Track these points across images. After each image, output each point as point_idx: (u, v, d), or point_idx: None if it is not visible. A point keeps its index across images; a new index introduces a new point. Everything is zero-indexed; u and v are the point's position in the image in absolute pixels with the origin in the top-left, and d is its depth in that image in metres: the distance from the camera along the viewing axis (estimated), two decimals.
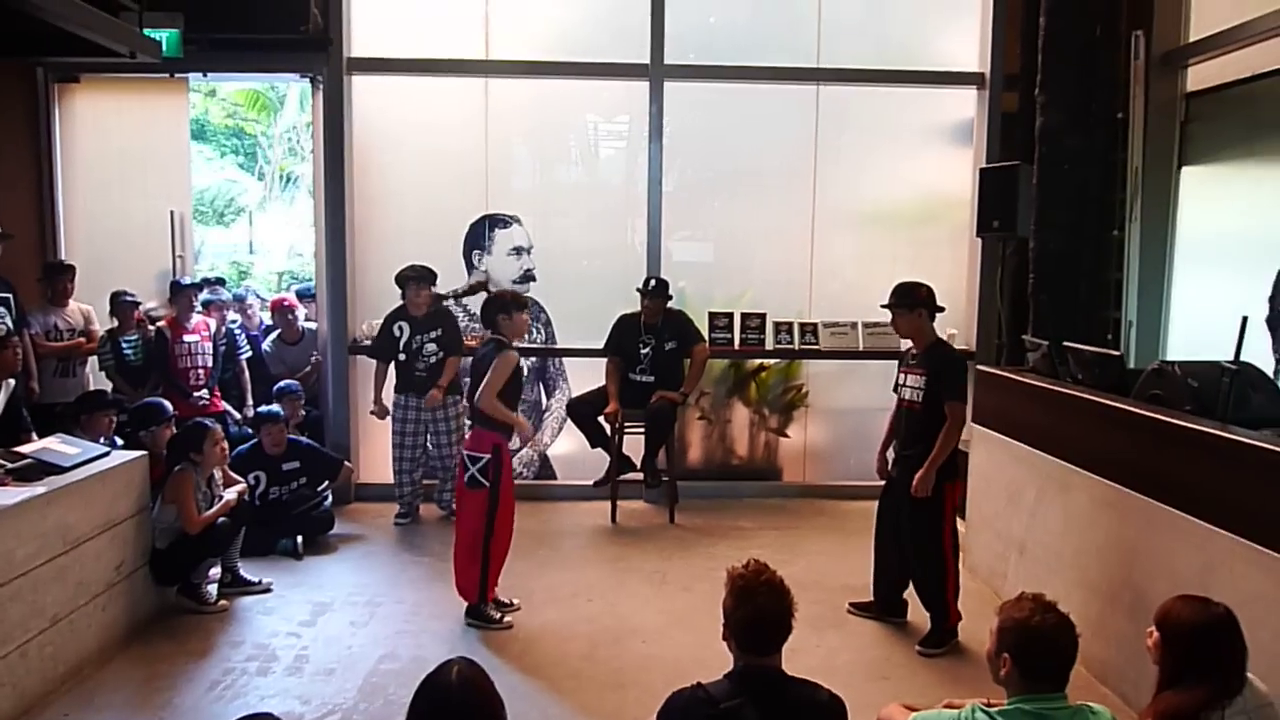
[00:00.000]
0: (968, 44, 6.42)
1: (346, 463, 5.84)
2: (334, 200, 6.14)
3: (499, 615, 4.34)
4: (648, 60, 6.21)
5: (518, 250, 6.46)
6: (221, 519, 4.46)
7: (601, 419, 5.86)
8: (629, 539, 5.63)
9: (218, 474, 4.62)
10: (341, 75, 6.07)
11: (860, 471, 6.26)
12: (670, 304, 5.98)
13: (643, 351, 5.91)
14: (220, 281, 7.49)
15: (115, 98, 6.33)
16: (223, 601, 4.48)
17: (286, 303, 6.74)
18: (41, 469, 3.77)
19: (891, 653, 4.13)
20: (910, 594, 4.34)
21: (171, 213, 6.38)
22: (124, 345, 5.78)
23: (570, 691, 3.71)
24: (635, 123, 6.47)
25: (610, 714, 3.55)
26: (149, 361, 5.83)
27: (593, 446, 5.98)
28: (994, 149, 6.27)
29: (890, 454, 4.42)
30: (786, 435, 6.67)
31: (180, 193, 6.57)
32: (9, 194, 5.97)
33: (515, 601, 4.51)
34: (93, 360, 5.80)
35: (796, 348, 6.37)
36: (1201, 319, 5.18)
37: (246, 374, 6.27)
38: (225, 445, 4.69)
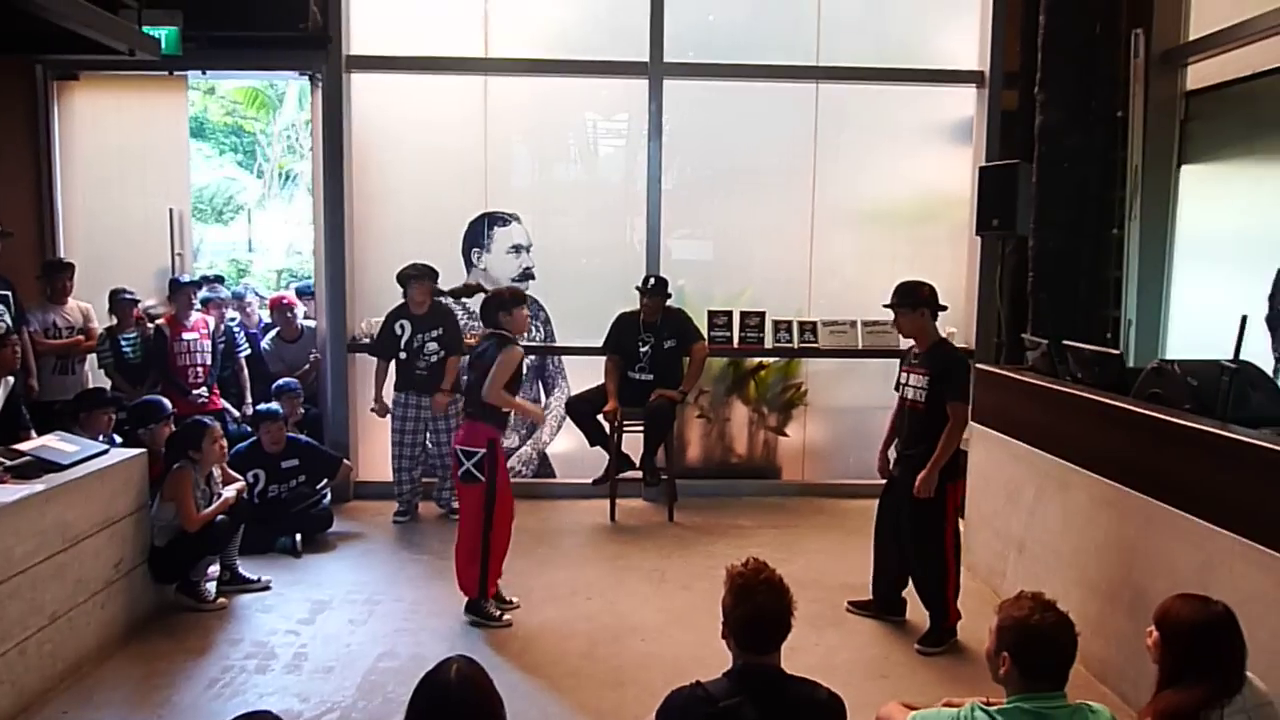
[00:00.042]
0: (967, 42, 6.41)
1: (345, 461, 5.84)
2: (333, 198, 6.14)
3: (499, 613, 4.34)
4: (647, 58, 6.20)
5: (517, 248, 6.46)
6: (220, 517, 4.46)
7: (600, 417, 5.86)
8: (628, 537, 5.63)
9: (216, 472, 4.62)
10: (340, 73, 6.07)
11: (859, 470, 6.27)
12: (669, 302, 5.98)
13: (642, 350, 5.91)
14: (219, 279, 7.47)
15: (114, 95, 6.32)
16: (221, 599, 4.48)
17: (285, 300, 6.73)
18: (40, 466, 3.76)
19: (890, 651, 4.13)
20: (909, 593, 4.34)
21: (170, 210, 6.38)
22: (123, 343, 5.78)
23: (569, 690, 3.71)
24: (634, 121, 6.47)
25: (609, 712, 3.55)
26: (148, 359, 5.83)
27: (592, 445, 5.98)
28: (993, 147, 6.26)
29: (892, 453, 4.41)
30: (785, 434, 6.67)
31: (179, 190, 6.57)
32: (8, 191, 5.97)
33: (514, 600, 4.51)
34: (92, 358, 5.80)
35: (795, 346, 6.37)
36: (1201, 318, 5.18)
37: (245, 372, 6.27)
38: (224, 443, 4.69)
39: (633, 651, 4.06)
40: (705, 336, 6.13)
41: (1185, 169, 5.36)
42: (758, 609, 2.18)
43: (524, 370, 4.61)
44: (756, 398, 6.66)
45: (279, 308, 6.66)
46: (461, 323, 6.08)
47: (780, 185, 6.52)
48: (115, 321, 5.79)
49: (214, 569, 4.56)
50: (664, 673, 3.60)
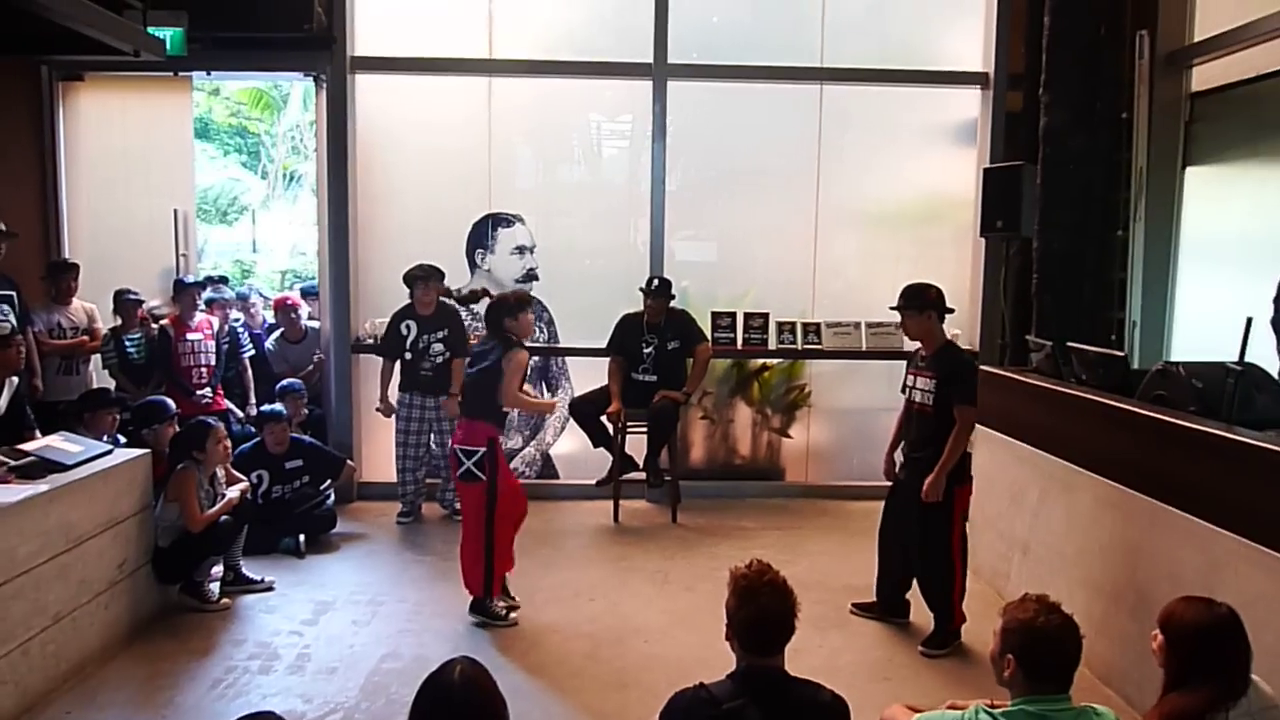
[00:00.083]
0: (972, 43, 6.41)
1: (349, 461, 5.84)
2: (337, 199, 6.15)
3: (504, 612, 4.34)
4: (651, 60, 6.20)
5: (520, 249, 6.46)
6: (224, 517, 4.46)
7: (604, 418, 5.85)
8: (631, 539, 5.63)
9: (220, 472, 4.62)
10: (345, 74, 6.07)
11: (863, 472, 6.27)
12: (673, 303, 5.98)
13: (645, 351, 5.91)
14: (223, 280, 7.49)
15: (119, 96, 6.33)
16: (225, 600, 4.48)
17: (289, 301, 6.74)
18: (44, 467, 3.77)
19: (894, 653, 4.12)
20: (913, 594, 4.33)
21: (175, 211, 6.39)
22: (127, 343, 5.79)
23: (573, 691, 3.71)
24: (638, 122, 6.47)
25: (613, 714, 3.54)
26: (152, 360, 5.83)
27: (595, 446, 5.98)
28: (998, 149, 6.26)
29: (898, 456, 4.40)
30: (789, 435, 6.66)
31: (184, 191, 6.58)
32: (13, 192, 5.98)
33: (515, 598, 4.50)
34: (96, 358, 5.81)
35: (799, 347, 6.36)
36: (1206, 320, 5.17)
37: (249, 372, 6.27)
38: (228, 443, 4.69)
39: (636, 653, 4.05)
40: (709, 338, 6.12)
41: (1190, 171, 5.35)
42: (761, 611, 2.17)
43: (528, 372, 4.61)
44: (760, 399, 6.66)
45: (283, 308, 6.67)
46: (467, 324, 6.08)
47: (784, 186, 6.52)
48: (120, 322, 5.80)
49: (217, 569, 4.57)
50: (667, 674, 3.59)
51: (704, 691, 2.17)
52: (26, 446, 3.92)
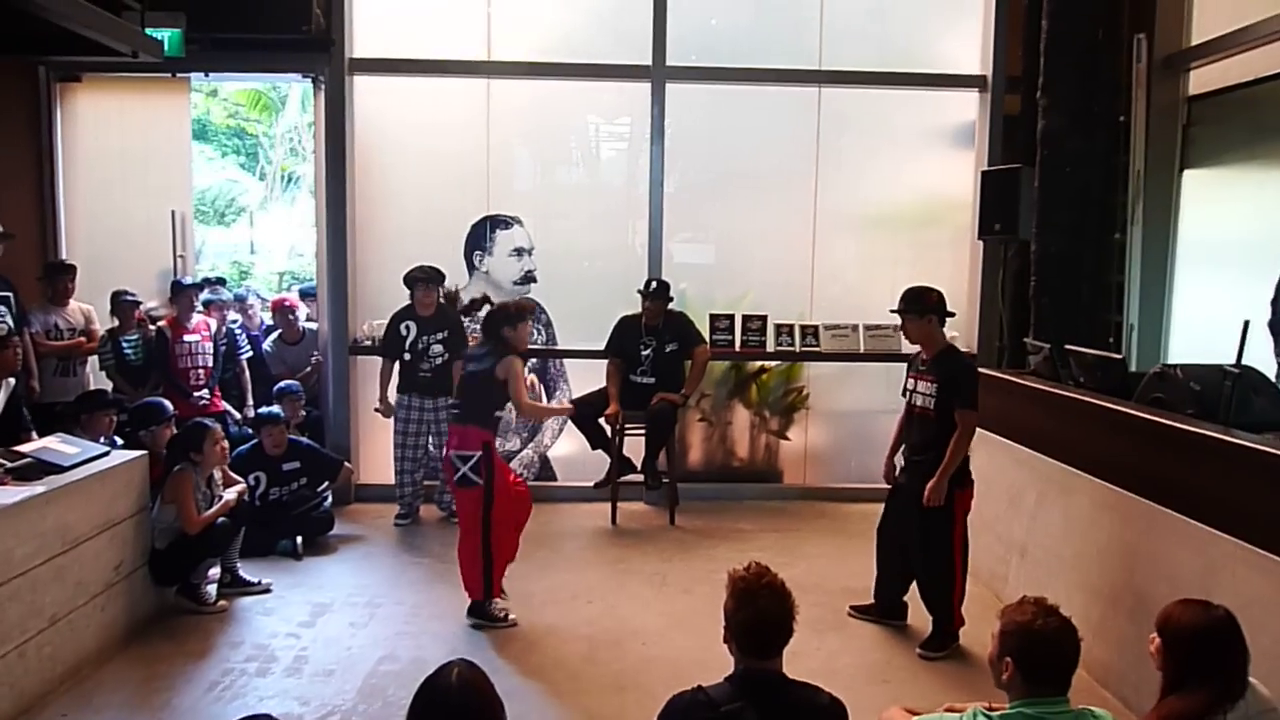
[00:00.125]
0: (969, 47, 6.41)
1: (346, 463, 5.83)
2: (335, 200, 6.14)
3: (503, 613, 4.34)
4: (649, 62, 6.21)
5: (519, 251, 6.46)
6: (221, 519, 4.45)
7: (602, 420, 5.85)
8: (629, 541, 5.63)
9: (217, 474, 4.61)
10: (343, 75, 6.07)
11: (861, 474, 6.26)
12: (671, 305, 5.98)
13: (643, 353, 5.90)
14: (221, 281, 7.49)
15: (117, 97, 6.33)
16: (222, 602, 4.47)
17: (287, 303, 6.74)
18: (41, 468, 3.76)
19: (892, 656, 4.12)
20: (911, 597, 4.33)
21: (173, 212, 6.38)
22: (124, 345, 5.78)
23: (570, 694, 3.70)
24: (637, 124, 6.47)
25: (610, 717, 3.54)
26: (149, 361, 5.83)
27: (593, 448, 5.97)
28: (995, 152, 6.27)
29: (898, 459, 4.39)
30: (787, 437, 6.66)
31: (181, 192, 6.58)
32: (10, 193, 5.97)
33: (507, 596, 4.49)
34: (93, 360, 5.79)
35: (797, 350, 6.36)
36: (1203, 322, 5.18)
37: (247, 374, 6.27)
38: (225, 445, 4.69)
39: (634, 656, 4.05)
40: (707, 340, 6.12)
41: (1187, 174, 5.36)
42: (760, 613, 2.17)
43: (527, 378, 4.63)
44: (758, 401, 6.65)
45: (280, 310, 6.67)
46: (466, 326, 6.08)
47: (782, 189, 6.52)
48: (117, 323, 5.79)
49: (214, 572, 4.56)
50: (665, 677, 3.59)
51: (702, 694, 2.16)
52: (23, 448, 3.92)
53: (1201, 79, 5.25)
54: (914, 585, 4.30)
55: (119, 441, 4.85)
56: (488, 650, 4.04)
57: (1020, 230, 5.61)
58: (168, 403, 5.16)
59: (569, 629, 4.31)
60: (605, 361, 5.97)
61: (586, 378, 6.21)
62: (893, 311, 4.24)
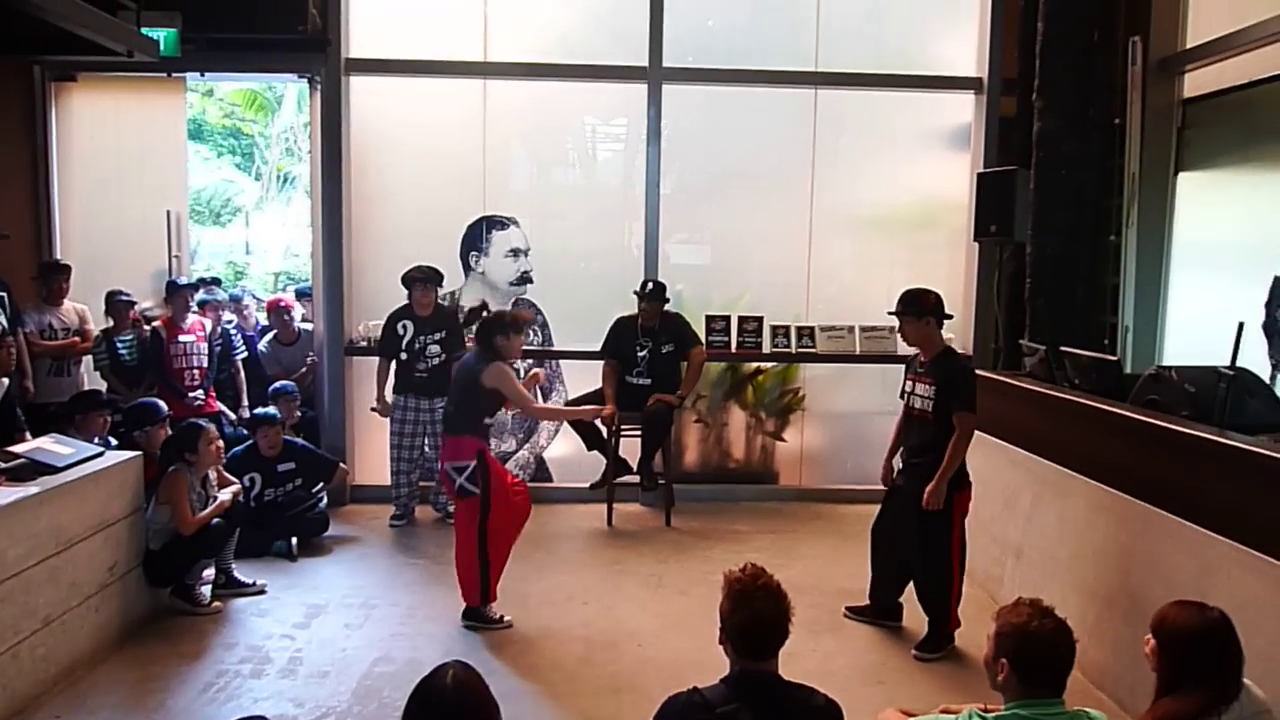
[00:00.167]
0: (966, 49, 6.43)
1: (341, 464, 5.83)
2: (331, 201, 6.14)
3: (499, 615, 4.33)
4: (646, 63, 6.21)
5: (515, 252, 6.46)
6: (216, 520, 4.44)
7: (598, 422, 5.85)
8: (625, 542, 5.62)
9: (212, 475, 4.60)
10: (339, 76, 6.07)
11: (857, 475, 6.27)
12: (667, 307, 5.98)
13: (640, 354, 5.90)
14: (216, 281, 7.47)
15: (112, 97, 6.31)
16: (216, 603, 4.46)
17: (283, 303, 6.73)
18: (35, 469, 3.75)
19: (888, 657, 4.12)
20: (906, 598, 4.33)
21: (168, 212, 6.37)
22: (119, 345, 5.76)
23: (566, 695, 3.70)
24: (633, 125, 6.47)
25: (606, 719, 3.53)
26: (144, 361, 5.81)
27: (589, 449, 5.97)
28: (991, 154, 6.28)
29: (896, 462, 4.39)
30: (783, 439, 6.66)
31: (177, 192, 6.56)
32: (5, 193, 5.96)
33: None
34: (87, 360, 5.77)
35: (793, 351, 6.37)
36: (1198, 324, 5.19)
37: (242, 375, 6.24)
38: (220, 446, 4.67)
39: (630, 657, 4.04)
40: (703, 341, 6.13)
41: (1182, 176, 5.37)
42: (755, 615, 2.17)
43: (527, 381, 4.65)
44: (754, 403, 6.66)
45: (276, 310, 6.66)
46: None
47: (778, 190, 6.52)
48: (111, 323, 5.77)
49: (209, 572, 4.54)
50: (661, 679, 3.59)
51: (697, 696, 2.16)
52: (17, 448, 3.90)
53: (1196, 82, 5.26)
54: (909, 586, 4.30)
55: (113, 442, 4.84)
56: (483, 651, 4.04)
57: (1016, 232, 5.62)
58: (162, 403, 5.15)
59: (565, 630, 4.31)
60: (601, 363, 5.97)
61: (582, 379, 6.21)
62: (890, 313, 4.23)
